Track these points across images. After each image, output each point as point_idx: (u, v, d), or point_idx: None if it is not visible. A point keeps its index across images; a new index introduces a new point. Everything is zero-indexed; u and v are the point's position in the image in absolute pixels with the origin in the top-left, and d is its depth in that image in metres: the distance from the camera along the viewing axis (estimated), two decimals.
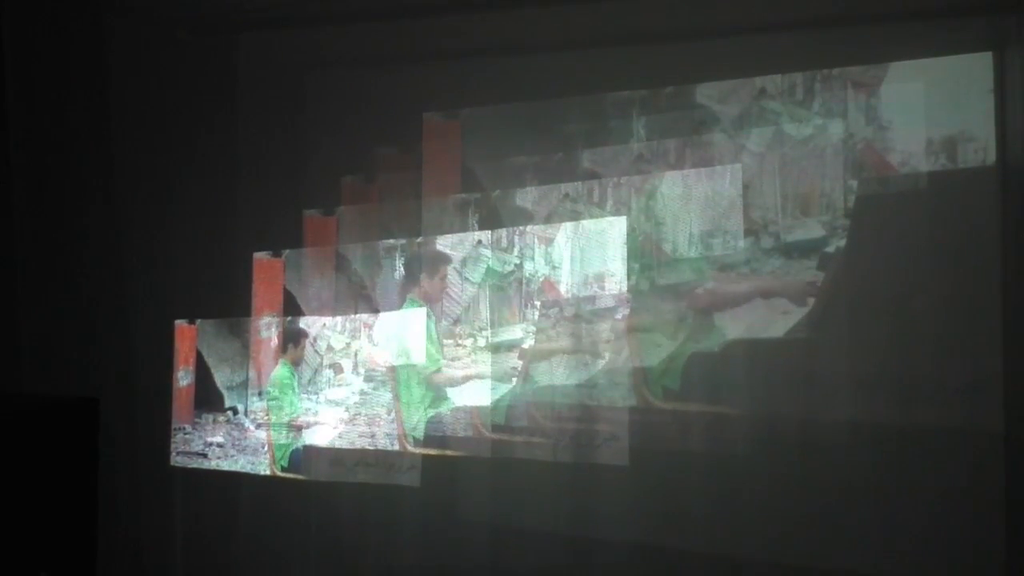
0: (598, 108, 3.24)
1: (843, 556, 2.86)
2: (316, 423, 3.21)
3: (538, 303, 3.20)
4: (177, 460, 3.16)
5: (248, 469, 3.18)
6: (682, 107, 3.15)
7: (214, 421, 3.19)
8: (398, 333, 3.32)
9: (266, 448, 3.20)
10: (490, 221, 3.34)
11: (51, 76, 2.76)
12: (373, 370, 3.25)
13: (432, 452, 3.23)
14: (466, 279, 3.28)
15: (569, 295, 3.15)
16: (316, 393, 3.23)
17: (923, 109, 2.84)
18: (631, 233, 3.13)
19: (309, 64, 3.29)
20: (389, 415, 3.21)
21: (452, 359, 3.31)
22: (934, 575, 2.78)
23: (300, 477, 3.18)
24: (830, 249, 2.92)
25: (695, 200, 3.08)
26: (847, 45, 2.87)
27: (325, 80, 3.34)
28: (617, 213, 3.17)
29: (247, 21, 3.14)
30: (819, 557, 2.88)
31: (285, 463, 3.19)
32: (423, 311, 3.30)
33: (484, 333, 3.30)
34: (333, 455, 3.22)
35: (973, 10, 2.80)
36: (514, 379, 3.17)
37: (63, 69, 2.80)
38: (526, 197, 3.30)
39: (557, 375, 3.17)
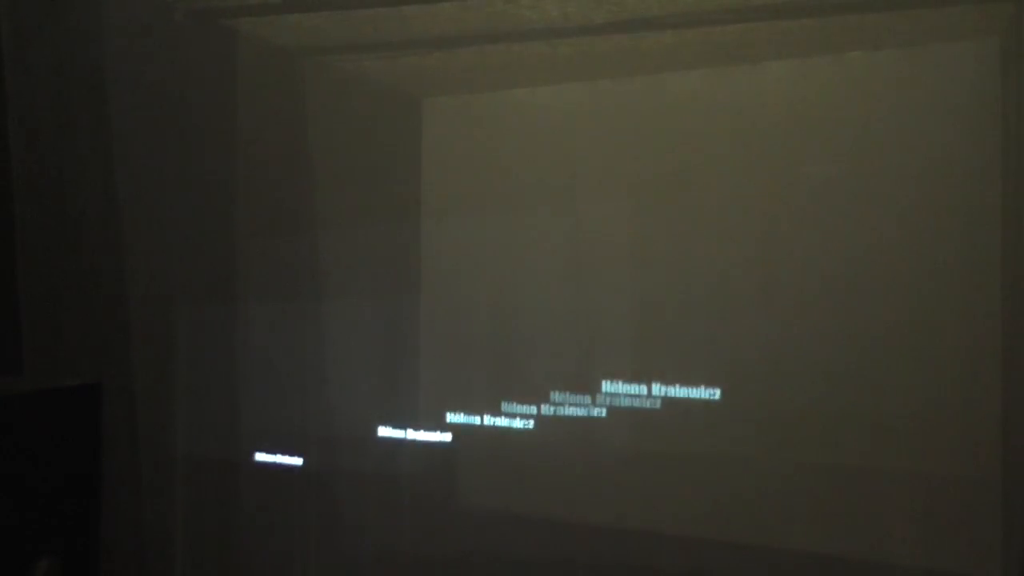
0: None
1: (842, 542, 2.88)
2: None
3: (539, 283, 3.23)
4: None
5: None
6: (680, 93, 3.15)
7: None
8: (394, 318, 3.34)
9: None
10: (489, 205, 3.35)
11: (46, 59, 2.74)
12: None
13: (431, 439, 3.24)
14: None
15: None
16: None
17: (924, 95, 2.84)
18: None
19: (308, 50, 3.27)
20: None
21: (452, 344, 3.33)
22: (932, 561, 2.80)
23: (299, 462, 3.19)
24: (828, 235, 2.93)
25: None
26: (848, 32, 2.86)
27: (324, 66, 3.33)
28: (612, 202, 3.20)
29: (245, 6, 3.12)
30: (817, 543, 2.90)
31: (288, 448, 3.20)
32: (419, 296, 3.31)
33: (483, 315, 3.32)
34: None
35: None
36: (514, 365, 3.18)
37: (59, 52, 2.78)
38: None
39: (558, 358, 3.20)
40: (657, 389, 3.04)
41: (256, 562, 3.05)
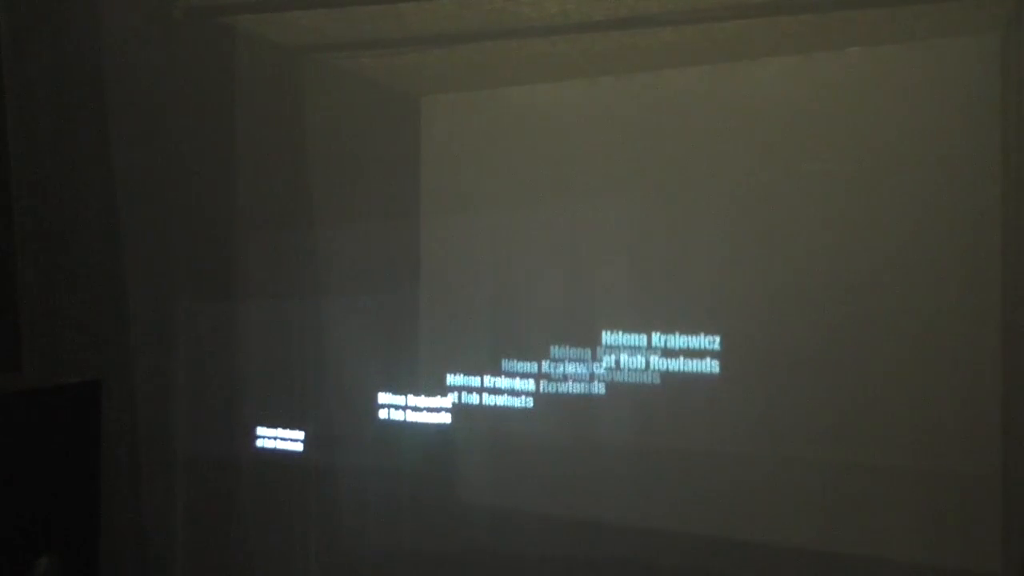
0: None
1: (843, 539, 2.88)
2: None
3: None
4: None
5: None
6: (680, 89, 3.15)
7: None
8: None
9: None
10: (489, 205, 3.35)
11: (46, 57, 2.74)
12: None
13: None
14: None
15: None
16: None
17: (924, 91, 2.84)
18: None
19: (307, 47, 3.27)
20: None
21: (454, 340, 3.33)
22: (932, 557, 2.80)
23: (300, 459, 3.20)
24: (827, 232, 2.93)
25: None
26: (847, 28, 2.86)
27: (323, 63, 3.33)
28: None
29: (244, 4, 3.11)
30: (818, 540, 2.90)
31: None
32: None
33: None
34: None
35: None
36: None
37: (58, 51, 2.77)
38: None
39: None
40: (657, 339, 3.04)
41: (256, 558, 3.05)
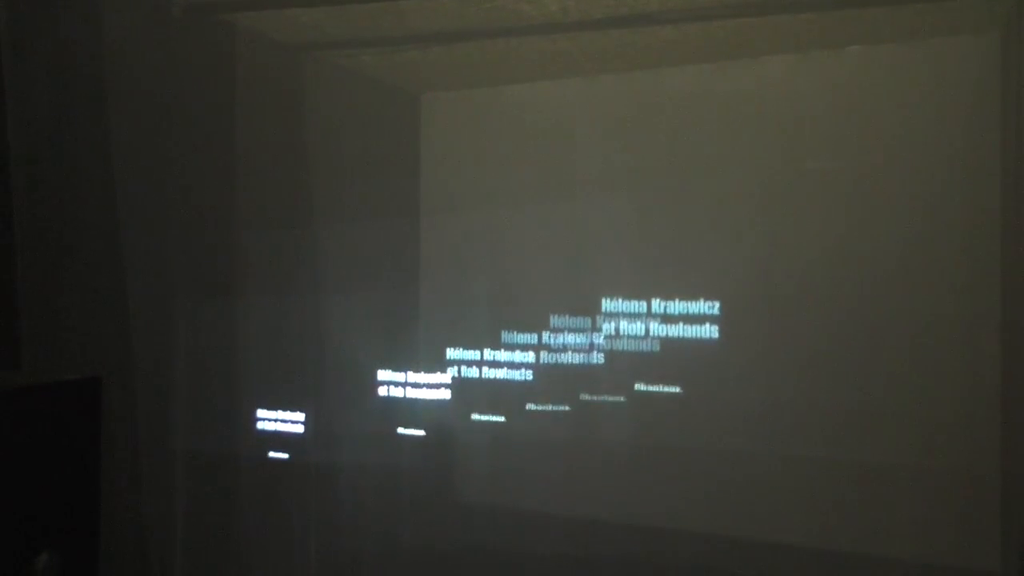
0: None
1: (844, 537, 2.88)
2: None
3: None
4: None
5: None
6: (679, 88, 3.15)
7: None
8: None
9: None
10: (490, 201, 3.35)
11: (46, 54, 2.74)
12: None
13: (432, 433, 3.24)
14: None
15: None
16: None
17: (924, 90, 2.84)
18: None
19: (307, 45, 3.27)
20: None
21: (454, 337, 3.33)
22: (932, 554, 2.80)
23: (300, 457, 3.20)
24: (826, 231, 2.93)
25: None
26: (847, 26, 2.86)
27: (323, 61, 3.33)
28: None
29: (244, 1, 3.11)
30: (818, 538, 2.90)
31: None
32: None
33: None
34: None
35: None
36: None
37: (58, 49, 2.77)
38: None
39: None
40: (657, 305, 3.04)
41: (256, 557, 3.05)
